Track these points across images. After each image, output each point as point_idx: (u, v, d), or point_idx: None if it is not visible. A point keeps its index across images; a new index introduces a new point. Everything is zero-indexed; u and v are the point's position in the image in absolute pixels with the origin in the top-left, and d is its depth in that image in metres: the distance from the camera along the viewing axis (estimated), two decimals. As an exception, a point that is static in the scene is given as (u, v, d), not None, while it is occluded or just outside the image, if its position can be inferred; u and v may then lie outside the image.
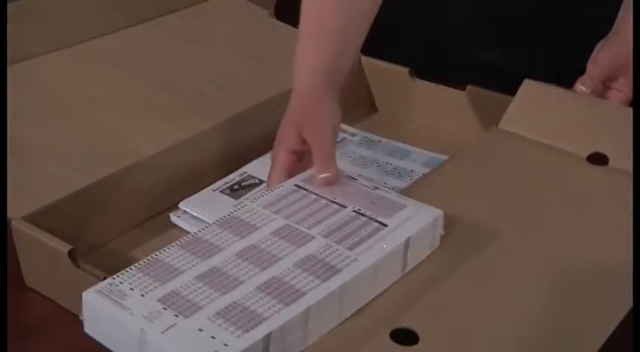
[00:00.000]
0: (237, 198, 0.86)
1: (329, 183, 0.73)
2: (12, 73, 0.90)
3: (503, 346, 0.62)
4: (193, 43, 1.04)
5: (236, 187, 0.88)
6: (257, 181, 0.88)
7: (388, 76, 1.03)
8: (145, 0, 1.10)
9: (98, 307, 0.60)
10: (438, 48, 1.09)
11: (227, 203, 0.85)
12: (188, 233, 0.69)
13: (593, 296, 0.67)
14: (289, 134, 0.75)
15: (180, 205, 0.84)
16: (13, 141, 0.80)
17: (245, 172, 0.90)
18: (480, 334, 0.63)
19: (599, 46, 0.88)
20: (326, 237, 0.67)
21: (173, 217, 0.82)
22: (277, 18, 1.13)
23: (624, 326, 0.64)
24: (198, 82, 0.95)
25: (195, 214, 0.83)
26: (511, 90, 0.88)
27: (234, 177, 0.89)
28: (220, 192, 0.87)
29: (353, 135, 0.99)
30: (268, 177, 0.76)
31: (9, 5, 0.91)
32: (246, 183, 0.88)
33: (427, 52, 1.09)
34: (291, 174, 0.75)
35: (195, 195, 0.85)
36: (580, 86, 0.86)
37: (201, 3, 1.16)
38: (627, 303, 0.65)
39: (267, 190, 0.74)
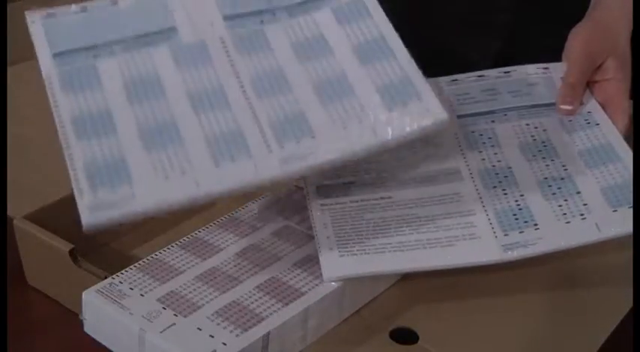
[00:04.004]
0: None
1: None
2: (12, 73, 0.90)
3: (502, 345, 0.62)
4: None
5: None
6: None
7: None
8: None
9: (98, 307, 0.60)
10: (439, 47, 1.09)
11: None
12: None
13: (593, 296, 0.67)
14: None
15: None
16: (14, 140, 0.80)
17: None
18: (479, 333, 0.63)
19: (570, 35, 0.77)
20: (326, 236, 0.67)
21: None
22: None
23: (624, 326, 0.64)
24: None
25: None
26: None
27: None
28: None
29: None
30: None
31: (9, 5, 0.91)
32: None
33: (429, 52, 1.08)
34: None
35: None
36: (562, 107, 0.74)
37: (203, 3, 1.15)
38: (627, 303, 0.65)
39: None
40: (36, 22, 0.67)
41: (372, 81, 0.64)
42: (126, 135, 0.61)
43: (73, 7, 0.68)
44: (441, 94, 0.74)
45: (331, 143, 0.61)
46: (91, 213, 0.58)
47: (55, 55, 0.65)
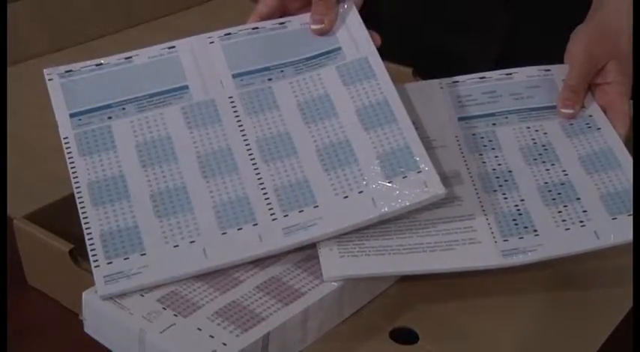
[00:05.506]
0: None
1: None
2: (12, 72, 0.90)
3: (502, 345, 0.62)
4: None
5: None
6: None
7: (391, 76, 1.03)
8: (148, 0, 1.10)
9: (98, 307, 0.60)
10: (440, 47, 1.09)
11: None
12: None
13: (593, 297, 0.67)
14: None
15: None
16: (14, 140, 0.80)
17: None
18: (479, 333, 0.63)
19: (571, 36, 0.77)
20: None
21: None
22: (280, 17, 1.12)
23: (624, 326, 0.64)
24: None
25: None
26: None
27: None
28: None
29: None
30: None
31: (9, 5, 0.92)
32: None
33: (430, 52, 1.08)
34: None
35: None
36: (563, 110, 0.74)
37: (204, 3, 1.16)
38: (627, 303, 0.65)
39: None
40: (54, 80, 0.69)
41: (373, 147, 0.66)
42: (138, 201, 0.64)
43: (89, 63, 0.71)
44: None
45: (333, 214, 0.64)
46: (106, 284, 0.61)
47: (72, 115, 0.68)
